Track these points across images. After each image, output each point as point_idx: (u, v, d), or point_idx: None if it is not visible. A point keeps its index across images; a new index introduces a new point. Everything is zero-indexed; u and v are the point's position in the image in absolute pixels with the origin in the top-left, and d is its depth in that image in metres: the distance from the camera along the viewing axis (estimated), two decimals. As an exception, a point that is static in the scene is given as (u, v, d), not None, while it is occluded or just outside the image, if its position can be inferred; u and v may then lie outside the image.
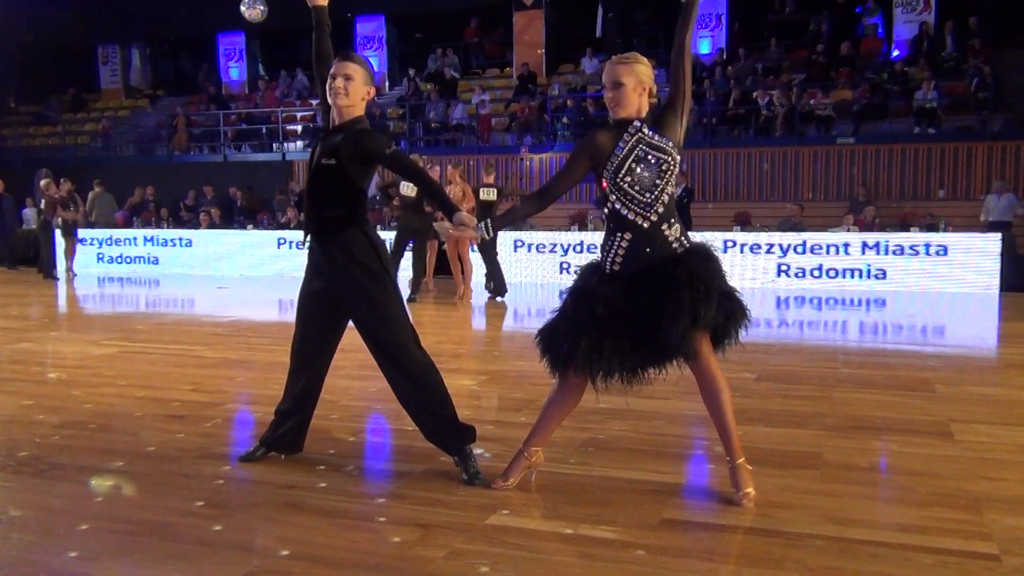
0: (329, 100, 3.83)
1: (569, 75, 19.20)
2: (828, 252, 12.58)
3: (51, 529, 3.33)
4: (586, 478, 3.86)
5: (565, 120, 17.76)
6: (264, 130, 20.31)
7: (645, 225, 3.51)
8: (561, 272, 13.51)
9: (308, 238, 3.98)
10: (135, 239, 16.56)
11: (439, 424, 3.86)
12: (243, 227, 16.76)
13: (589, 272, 3.59)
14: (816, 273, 12.59)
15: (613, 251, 3.50)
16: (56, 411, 5.15)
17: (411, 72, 20.14)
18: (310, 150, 4.01)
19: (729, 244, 12.80)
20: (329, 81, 3.81)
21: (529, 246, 13.91)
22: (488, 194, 11.17)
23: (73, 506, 3.54)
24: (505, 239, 13.40)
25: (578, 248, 13.54)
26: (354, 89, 3.81)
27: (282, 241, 15.40)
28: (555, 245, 13.77)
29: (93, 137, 22.02)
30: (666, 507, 3.52)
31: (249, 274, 15.28)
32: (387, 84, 21.38)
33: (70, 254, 15.63)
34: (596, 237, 13.65)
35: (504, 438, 4.53)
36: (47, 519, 3.45)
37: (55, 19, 21.18)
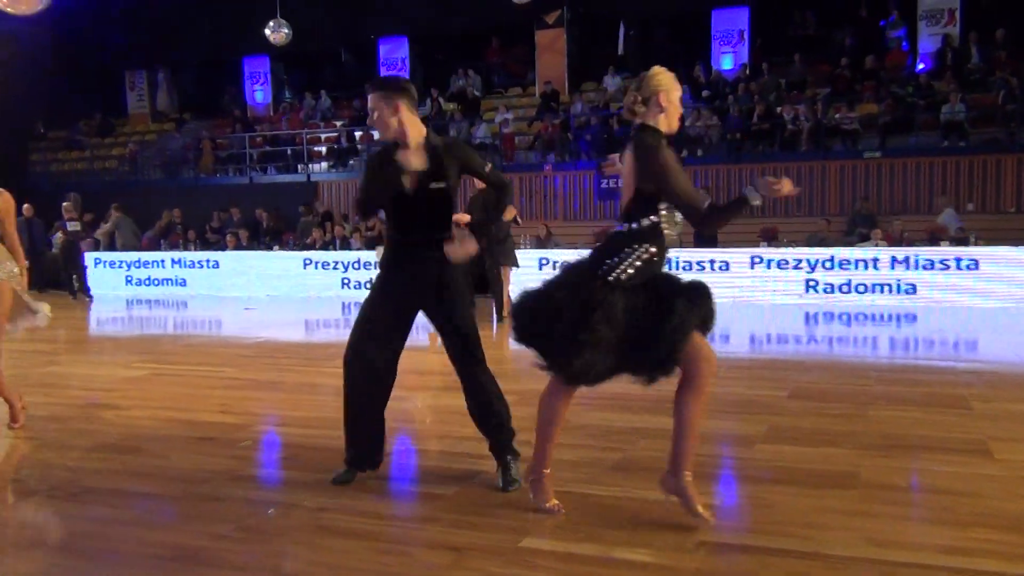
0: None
1: (592, 93, 19.22)
2: (856, 267, 12.45)
3: (86, 554, 3.33)
4: (619, 499, 3.81)
5: (588, 138, 17.75)
6: (289, 152, 20.47)
7: (671, 239, 3.53)
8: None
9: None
10: (163, 261, 16.70)
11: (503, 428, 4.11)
12: (269, 248, 16.86)
13: (588, 278, 3.47)
14: (845, 288, 12.46)
15: (629, 261, 3.45)
16: (87, 434, 5.18)
17: (434, 92, 20.24)
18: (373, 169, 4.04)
19: (756, 260, 12.71)
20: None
21: (555, 264, 13.87)
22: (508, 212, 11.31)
23: (106, 530, 3.54)
24: (530, 257, 13.31)
25: (603, 266, 13.49)
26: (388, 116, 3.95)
27: (308, 262, 15.47)
28: (580, 263, 13.72)
29: (121, 161, 22.28)
30: (701, 529, 3.46)
31: (275, 295, 15.36)
32: (410, 104, 21.51)
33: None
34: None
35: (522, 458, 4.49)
36: (81, 543, 3.45)
37: (83, 45, 21.52)
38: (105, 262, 16.84)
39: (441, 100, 20.08)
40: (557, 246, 14.36)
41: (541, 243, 14.89)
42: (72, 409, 5.94)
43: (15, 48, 18.45)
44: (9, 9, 7.92)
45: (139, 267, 16.87)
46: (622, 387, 6.46)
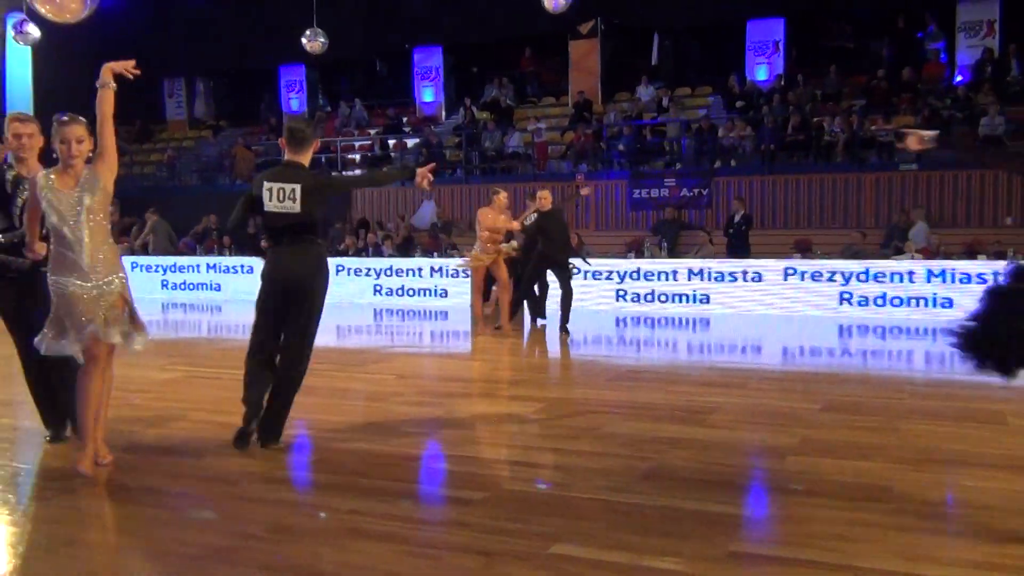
0: None
1: (625, 103, 19.21)
2: (892, 280, 12.31)
3: (122, 551, 3.39)
4: (649, 508, 3.80)
5: (621, 148, 17.75)
6: (323, 159, 20.65)
7: None
8: (617, 299, 13.43)
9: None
10: (198, 266, 16.91)
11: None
12: (302, 254, 17.02)
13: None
14: (880, 302, 12.32)
15: None
16: (122, 434, 5.25)
17: (467, 101, 20.34)
18: None
19: (789, 272, 12.62)
20: None
21: (585, 273, 13.86)
22: (529, 218, 11.41)
23: (141, 528, 3.60)
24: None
25: (635, 275, 13.47)
26: None
27: (340, 268, 15.57)
28: (611, 272, 13.70)
29: (159, 167, 22.61)
30: (732, 539, 3.45)
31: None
32: (443, 113, 21.62)
33: None
34: (653, 265, 13.58)
35: (564, 466, 4.50)
36: (116, 541, 3.51)
37: (123, 54, 21.85)
38: (141, 266, 17.07)
39: (474, 109, 20.17)
40: (588, 255, 14.34)
41: (573, 251, 14.85)
42: (108, 410, 6.02)
43: (59, 55, 18.80)
44: (54, 18, 8.06)
45: (174, 271, 17.09)
46: (652, 397, 6.47)
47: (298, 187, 4.88)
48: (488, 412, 5.90)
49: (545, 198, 10.41)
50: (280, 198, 4.91)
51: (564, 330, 10.22)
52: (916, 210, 14.57)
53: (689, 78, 19.61)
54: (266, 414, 4.90)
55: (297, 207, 4.89)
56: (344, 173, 20.20)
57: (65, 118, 4.44)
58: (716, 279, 12.98)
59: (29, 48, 17.96)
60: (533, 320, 11.23)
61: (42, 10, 7.74)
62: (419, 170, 5.25)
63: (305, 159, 5.06)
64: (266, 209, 4.94)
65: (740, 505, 3.99)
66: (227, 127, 23.68)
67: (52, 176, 4.37)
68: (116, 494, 4.09)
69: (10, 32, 16.48)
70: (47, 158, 4.78)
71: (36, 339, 4.35)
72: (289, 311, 4.92)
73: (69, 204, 4.31)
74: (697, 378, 7.46)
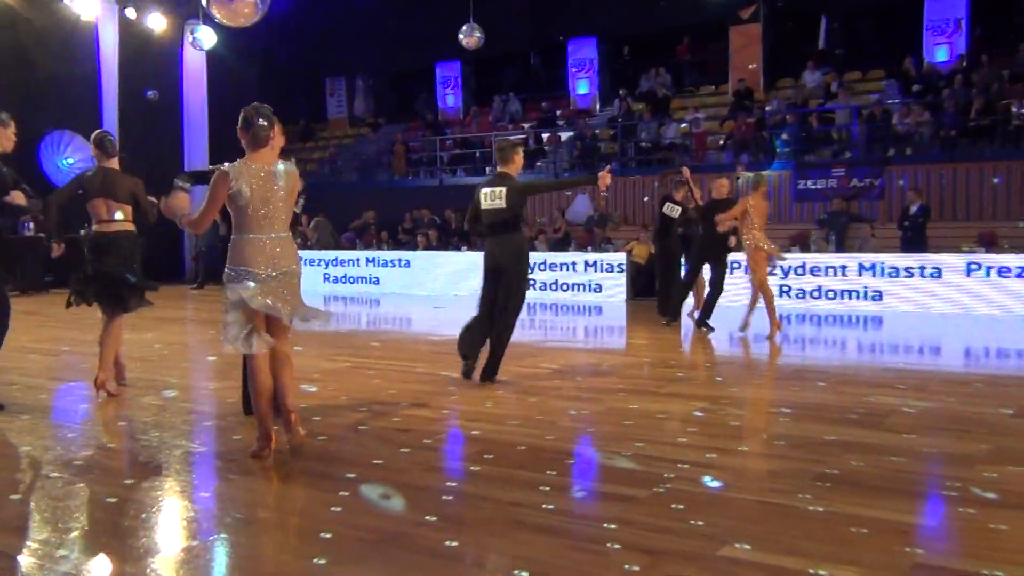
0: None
1: (789, 90, 18.59)
2: (1092, 276, 11.37)
3: (297, 533, 3.57)
4: (823, 514, 3.66)
5: (785, 136, 17.19)
6: (478, 154, 21.05)
7: None
8: (780, 295, 13.02)
9: None
10: (357, 260, 17.59)
11: None
12: (458, 249, 17.39)
13: None
14: (1076, 299, 11.41)
15: None
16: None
17: (622, 93, 20.21)
18: None
19: (973, 267, 11.86)
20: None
21: (747, 268, 13.51)
22: (671, 210, 11.24)
23: (313, 510, 3.78)
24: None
25: (800, 270, 13.01)
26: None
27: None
28: (774, 267, 13.28)
29: (320, 164, 23.66)
30: (915, 551, 3.28)
31: (462, 294, 15.81)
32: (598, 106, 21.58)
33: None
34: (820, 259, 13.08)
35: (729, 467, 4.41)
36: (291, 522, 3.71)
37: (287, 55, 22.96)
38: (304, 260, 17.89)
39: (629, 100, 20.02)
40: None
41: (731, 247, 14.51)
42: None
43: (229, 60, 19.97)
44: (228, 22, 8.55)
45: (336, 265, 17.83)
46: (822, 397, 6.23)
47: (504, 190, 6.54)
48: (647, 408, 5.85)
49: (724, 185, 10.25)
50: (491, 199, 6.57)
51: (705, 325, 10.04)
52: (912, 192, 13.86)
53: (860, 62, 18.75)
54: (488, 361, 6.72)
55: (503, 204, 6.51)
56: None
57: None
58: (890, 275, 12.38)
59: (204, 53, 19.17)
60: (670, 315, 11.08)
61: (217, 15, 8.23)
62: (600, 174, 6.63)
63: (510, 169, 6.71)
64: (482, 208, 6.62)
65: (923, 514, 3.79)
66: (385, 124, 24.49)
67: (250, 164, 4.66)
68: (291, 478, 4.31)
69: (189, 38, 17.65)
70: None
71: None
72: (499, 285, 6.59)
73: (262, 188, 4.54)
74: (870, 379, 7.13)
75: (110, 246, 6.27)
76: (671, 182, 11.50)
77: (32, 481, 4.27)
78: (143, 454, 4.86)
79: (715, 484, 4.11)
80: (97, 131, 6.55)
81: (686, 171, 10.98)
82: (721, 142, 18.05)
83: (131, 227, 6.41)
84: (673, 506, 3.74)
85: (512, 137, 21.11)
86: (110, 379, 6.34)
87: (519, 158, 6.84)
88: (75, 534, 3.49)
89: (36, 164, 16.61)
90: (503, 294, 6.56)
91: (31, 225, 15.53)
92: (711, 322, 10.07)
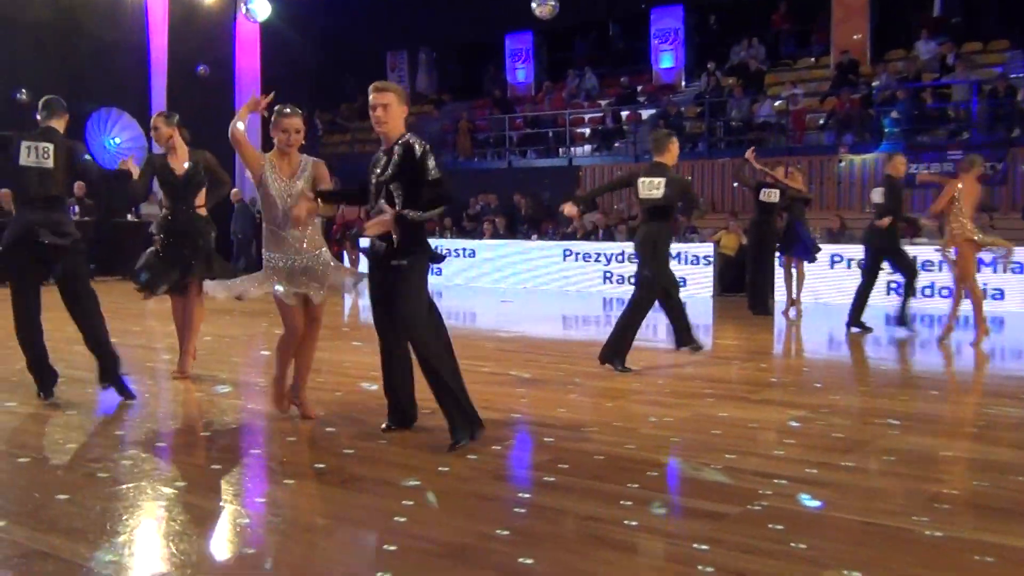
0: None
1: (899, 62, 18.13)
2: None
3: (359, 543, 3.61)
4: (942, 539, 3.56)
5: (895, 114, 16.76)
6: (550, 134, 20.99)
7: None
8: (889, 292, 12.72)
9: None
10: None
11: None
12: (527, 237, 17.40)
13: None
14: None
15: None
16: (350, 422, 5.61)
17: (710, 66, 19.95)
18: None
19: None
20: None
21: (848, 262, 13.25)
22: (768, 196, 11.13)
23: (376, 520, 3.81)
24: (821, 254, 12.69)
25: (909, 265, 12.68)
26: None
27: (568, 252, 15.81)
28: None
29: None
30: (1048, 583, 3.17)
31: (532, 287, 15.83)
32: (683, 81, 21.35)
33: None
34: (931, 252, 12.74)
35: (832, 483, 4.32)
36: (353, 532, 3.74)
37: (345, 27, 23.25)
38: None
39: (719, 75, 19.76)
40: (852, 241, 13.68)
41: (834, 237, 14.27)
42: (332, 395, 6.45)
43: (284, 32, 20.30)
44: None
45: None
46: (936, 408, 6.07)
47: (662, 180, 7.33)
48: (739, 416, 5.77)
49: (903, 163, 10.06)
50: (648, 189, 7.39)
51: (860, 325, 9.97)
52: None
53: (981, 31, 18.19)
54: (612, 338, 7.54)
55: (660, 193, 7.34)
56: (574, 150, 20.47)
57: (287, 110, 5.39)
58: (1013, 271, 12.01)
59: (258, 25, 19.52)
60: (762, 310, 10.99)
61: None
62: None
63: (666, 159, 7.45)
64: (640, 196, 7.51)
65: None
66: (450, 101, 24.59)
67: (273, 161, 5.38)
68: (352, 484, 4.36)
69: (242, 9, 17.98)
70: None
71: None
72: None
73: (284, 188, 5.35)
74: (991, 388, 6.94)
75: (188, 231, 6.89)
76: (751, 170, 11.44)
77: (79, 480, 4.39)
78: (193, 454, 4.97)
79: (816, 503, 4.03)
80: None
81: (751, 154, 10.95)
82: (821, 121, 17.72)
83: (204, 211, 7.04)
84: (770, 526, 3.68)
85: (587, 115, 21.07)
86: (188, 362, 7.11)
87: (674, 147, 7.53)
88: (122, 537, 3.58)
89: (83, 144, 17.13)
90: (643, 271, 7.57)
91: (77, 209, 16.04)
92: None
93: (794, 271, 11.59)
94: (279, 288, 5.42)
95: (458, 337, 10.06)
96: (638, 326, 7.56)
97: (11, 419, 5.75)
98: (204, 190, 6.97)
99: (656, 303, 7.53)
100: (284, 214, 5.35)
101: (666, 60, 21.50)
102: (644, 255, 7.51)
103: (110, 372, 6.15)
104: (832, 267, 13.33)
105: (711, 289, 14.49)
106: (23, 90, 17.29)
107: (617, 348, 7.46)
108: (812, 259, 11.63)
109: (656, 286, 7.46)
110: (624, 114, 20.41)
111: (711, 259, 14.57)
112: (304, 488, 4.32)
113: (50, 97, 6.21)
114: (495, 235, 17.51)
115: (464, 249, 17.16)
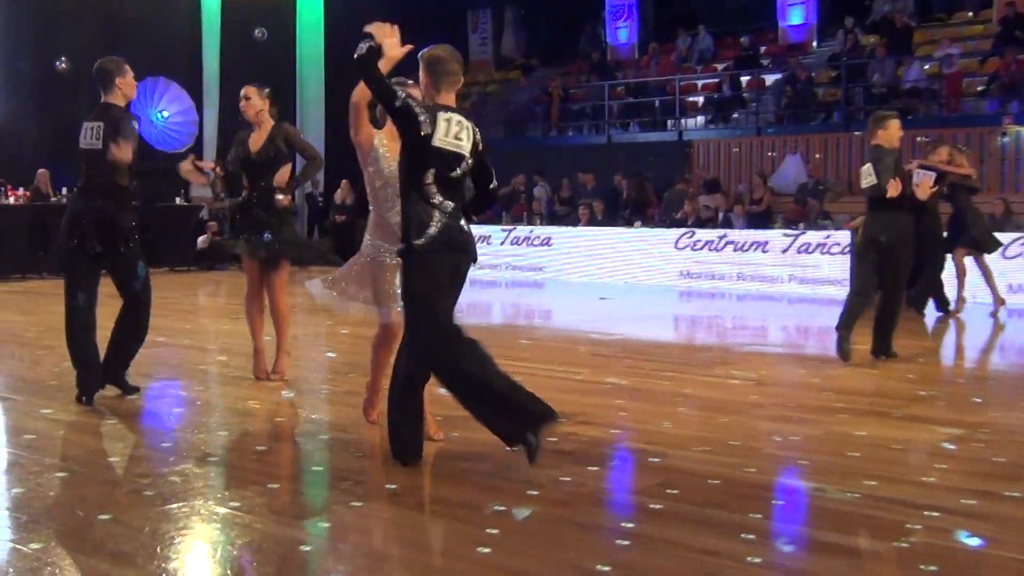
0: None
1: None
2: None
3: (429, 570, 3.65)
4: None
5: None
6: (657, 104, 20.87)
7: None
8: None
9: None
10: (503, 239, 17.78)
11: None
12: (630, 224, 17.33)
13: None
14: None
15: None
16: (433, 440, 5.66)
17: (848, 22, 19.59)
18: None
19: None
20: None
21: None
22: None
23: (457, 549, 3.85)
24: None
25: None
26: None
27: (680, 241, 15.68)
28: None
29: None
30: None
31: (635, 282, 15.76)
32: (815, 40, 21.00)
33: None
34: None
35: (994, 516, 4.21)
36: (429, 563, 3.78)
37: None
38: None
39: (858, 32, 19.41)
40: (1019, 228, 13.30)
41: (996, 223, 13.86)
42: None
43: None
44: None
45: (480, 244, 18.10)
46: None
47: (869, 165, 7.74)
48: (882, 435, 5.67)
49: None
50: (865, 176, 7.83)
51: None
52: None
53: None
54: (877, 337, 8.13)
55: (874, 180, 7.70)
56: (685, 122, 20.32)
57: (410, 81, 5.33)
58: None
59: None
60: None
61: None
62: None
63: (882, 140, 7.81)
64: (862, 186, 7.97)
65: None
66: (540, 66, 24.61)
67: (384, 140, 5.30)
68: (427, 507, 4.41)
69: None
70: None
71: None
72: (882, 261, 8.01)
73: (395, 169, 5.11)
74: None
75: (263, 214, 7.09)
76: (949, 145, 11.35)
77: (123, 498, 4.52)
78: (249, 470, 5.08)
79: (975, 540, 3.94)
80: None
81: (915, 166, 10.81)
82: (981, 87, 17.27)
83: (286, 200, 7.27)
84: (921, 567, 3.61)
85: (700, 81, 20.87)
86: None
87: (893, 129, 7.88)
88: (173, 563, 3.68)
89: (131, 115, 17.66)
90: (890, 271, 7.99)
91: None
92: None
93: (971, 262, 11.52)
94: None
95: (548, 340, 10.14)
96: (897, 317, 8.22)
97: (49, 427, 5.95)
98: (284, 169, 7.11)
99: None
100: (395, 198, 5.21)
101: (795, 15, 21.17)
102: (890, 245, 7.87)
103: (90, 387, 6.35)
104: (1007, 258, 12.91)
105: (847, 284, 14.23)
106: (63, 58, 17.90)
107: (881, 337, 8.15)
108: (987, 250, 11.48)
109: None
110: (744, 80, 20.17)
111: (847, 249, 14.29)
112: (375, 511, 4.37)
113: (100, 62, 6.37)
114: (592, 222, 17.48)
115: (556, 237, 17.15)
